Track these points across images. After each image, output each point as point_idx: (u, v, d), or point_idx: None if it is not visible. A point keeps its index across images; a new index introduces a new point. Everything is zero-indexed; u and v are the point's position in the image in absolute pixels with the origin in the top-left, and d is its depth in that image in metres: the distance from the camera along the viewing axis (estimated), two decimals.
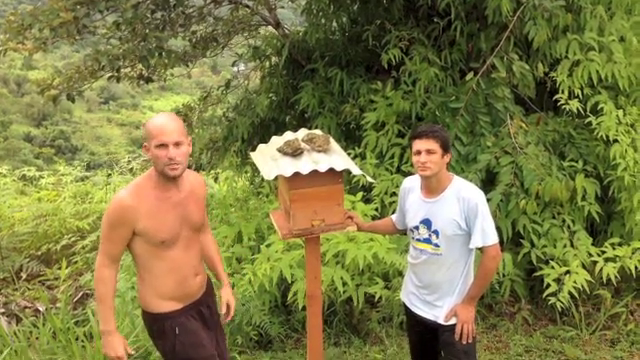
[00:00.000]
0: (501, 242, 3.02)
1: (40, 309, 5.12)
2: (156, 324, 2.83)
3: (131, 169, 11.19)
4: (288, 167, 2.87)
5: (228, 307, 3.10)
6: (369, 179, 3.43)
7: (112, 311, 2.73)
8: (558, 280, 4.70)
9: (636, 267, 4.81)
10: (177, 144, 2.60)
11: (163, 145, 2.58)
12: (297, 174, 2.84)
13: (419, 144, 2.91)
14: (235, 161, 7.18)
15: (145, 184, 2.71)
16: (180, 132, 2.63)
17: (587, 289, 4.68)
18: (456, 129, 5.23)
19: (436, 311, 3.09)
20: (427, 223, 3.02)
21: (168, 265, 2.74)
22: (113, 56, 5.60)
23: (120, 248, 2.70)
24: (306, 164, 2.89)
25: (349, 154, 4.92)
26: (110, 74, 6.00)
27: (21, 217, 7.53)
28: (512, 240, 5.04)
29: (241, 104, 7.32)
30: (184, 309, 2.83)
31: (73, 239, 6.79)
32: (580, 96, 5.09)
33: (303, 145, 3.02)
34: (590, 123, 5.07)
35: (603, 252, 4.90)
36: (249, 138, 6.73)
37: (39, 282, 5.99)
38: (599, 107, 5.12)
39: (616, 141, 4.96)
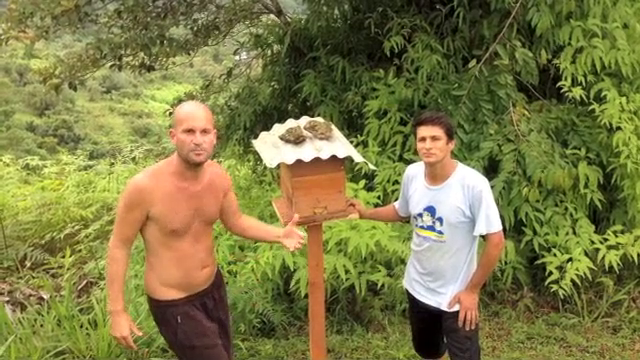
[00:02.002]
0: (503, 230, 3.02)
1: (44, 297, 5.14)
2: (159, 311, 2.85)
3: (134, 158, 11.19)
4: (290, 155, 2.86)
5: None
6: (371, 166, 3.42)
7: (121, 292, 2.73)
8: (560, 268, 4.72)
9: (638, 254, 4.83)
10: (204, 131, 2.60)
11: (190, 130, 2.58)
12: (299, 162, 2.84)
13: (424, 131, 2.90)
14: (237, 149, 7.18)
15: (164, 169, 2.71)
16: (208, 120, 2.64)
17: (589, 277, 4.69)
18: (459, 117, 5.22)
19: (439, 298, 3.10)
20: (431, 210, 3.02)
21: (175, 255, 2.75)
22: (115, 44, 5.60)
23: (133, 231, 2.70)
24: (308, 152, 2.88)
25: (351, 142, 4.91)
26: (112, 63, 5.99)
27: (25, 206, 7.54)
28: (514, 228, 5.05)
29: (243, 93, 7.31)
30: (187, 298, 2.84)
31: (77, 228, 6.79)
32: (583, 83, 5.08)
33: (305, 133, 3.01)
34: (593, 110, 5.06)
35: (605, 240, 4.91)
36: (251, 126, 6.73)
37: (43, 270, 6.00)
38: (602, 94, 5.10)
39: (619, 128, 4.95)
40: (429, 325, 3.28)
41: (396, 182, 5.08)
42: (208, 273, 2.92)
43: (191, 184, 2.73)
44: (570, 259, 4.73)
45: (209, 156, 2.69)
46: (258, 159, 7.19)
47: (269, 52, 7.12)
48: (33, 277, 5.77)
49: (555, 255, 4.78)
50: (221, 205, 2.91)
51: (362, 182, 5.07)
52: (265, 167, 6.70)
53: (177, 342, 2.83)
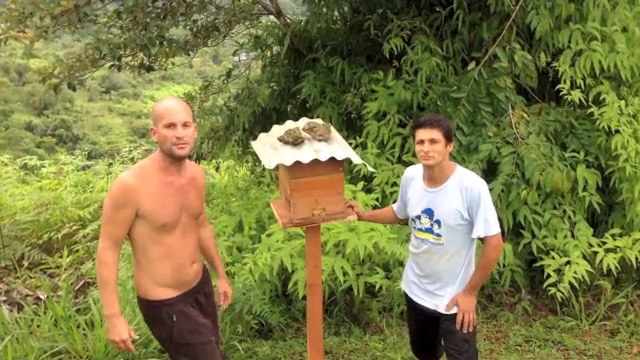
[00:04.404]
0: (502, 232, 3.03)
1: (41, 297, 5.13)
2: (152, 311, 2.84)
3: (132, 158, 11.16)
4: (289, 156, 2.86)
5: (226, 297, 3.22)
6: (370, 168, 3.42)
7: (115, 295, 2.72)
8: (558, 270, 4.72)
9: (636, 258, 4.82)
10: (185, 124, 2.64)
11: (172, 125, 2.61)
12: (298, 163, 2.84)
13: (422, 133, 2.91)
14: (236, 150, 7.18)
15: (148, 166, 2.73)
16: (187, 113, 2.68)
17: (587, 280, 4.69)
18: (457, 119, 5.22)
19: (437, 300, 3.10)
20: (429, 213, 3.02)
21: (165, 250, 2.75)
22: (114, 45, 5.58)
23: (123, 231, 2.69)
24: (307, 153, 2.88)
25: (350, 144, 4.91)
26: (111, 63, 5.97)
27: (23, 206, 7.52)
28: (513, 230, 5.05)
29: (242, 93, 7.31)
30: (181, 296, 2.85)
31: (74, 228, 6.78)
32: (582, 86, 5.08)
33: (304, 134, 3.01)
34: (592, 114, 5.06)
35: (604, 243, 4.91)
36: (250, 127, 6.72)
37: (40, 270, 5.99)
38: (601, 97, 5.10)
39: (618, 132, 4.95)
40: (427, 327, 3.29)
41: (395, 184, 5.08)
42: (197, 269, 2.95)
43: (176, 178, 2.76)
44: (568, 262, 4.73)
45: (192, 149, 2.73)
46: (257, 160, 7.19)
47: (268, 53, 7.12)
48: (30, 277, 5.75)
49: (553, 258, 4.78)
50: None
51: (360, 184, 5.07)
52: (264, 168, 6.70)
53: (172, 341, 2.84)
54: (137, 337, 2.90)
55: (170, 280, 2.79)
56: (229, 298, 3.23)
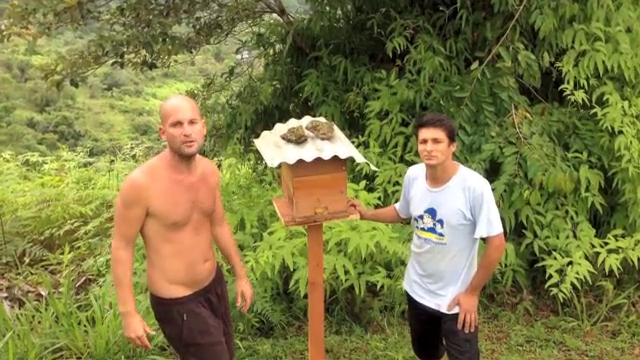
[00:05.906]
0: (504, 232, 3.02)
1: (43, 293, 5.12)
2: (163, 308, 2.84)
3: (134, 156, 11.17)
4: (292, 154, 2.86)
5: (245, 297, 3.18)
6: (373, 167, 3.42)
7: (130, 292, 2.73)
8: (560, 271, 4.71)
9: (639, 259, 4.82)
10: (192, 122, 2.63)
11: (178, 123, 2.61)
12: (301, 161, 2.83)
13: (425, 133, 2.90)
14: (238, 148, 7.17)
15: (159, 165, 2.73)
16: (194, 110, 2.67)
17: (589, 280, 4.69)
18: (460, 119, 5.22)
19: (439, 300, 3.09)
20: (432, 212, 3.01)
21: (177, 248, 2.75)
22: (117, 42, 5.58)
23: (135, 229, 2.70)
24: (310, 152, 2.88)
25: (352, 142, 4.90)
26: (114, 60, 5.97)
27: (24, 202, 7.52)
28: (515, 230, 5.04)
29: (244, 92, 7.31)
30: (193, 295, 2.84)
31: (76, 224, 6.77)
32: (585, 87, 5.07)
33: (307, 132, 3.00)
34: (595, 114, 5.05)
35: (606, 243, 4.90)
36: (252, 126, 6.72)
37: (42, 267, 5.99)
38: (604, 98, 5.10)
39: (621, 132, 4.95)
40: (428, 327, 3.28)
41: (397, 183, 5.08)
42: (210, 267, 2.94)
43: (186, 176, 2.75)
44: (570, 262, 4.73)
45: (200, 146, 2.73)
46: (259, 158, 7.19)
47: (271, 51, 7.12)
48: (32, 273, 5.75)
49: (555, 258, 4.78)
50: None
51: (363, 183, 5.07)
52: (266, 166, 6.70)
53: (182, 340, 2.84)
54: (153, 333, 2.89)
55: (183, 278, 2.80)
56: (249, 299, 3.19)
